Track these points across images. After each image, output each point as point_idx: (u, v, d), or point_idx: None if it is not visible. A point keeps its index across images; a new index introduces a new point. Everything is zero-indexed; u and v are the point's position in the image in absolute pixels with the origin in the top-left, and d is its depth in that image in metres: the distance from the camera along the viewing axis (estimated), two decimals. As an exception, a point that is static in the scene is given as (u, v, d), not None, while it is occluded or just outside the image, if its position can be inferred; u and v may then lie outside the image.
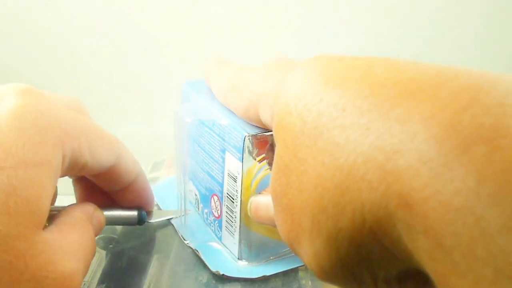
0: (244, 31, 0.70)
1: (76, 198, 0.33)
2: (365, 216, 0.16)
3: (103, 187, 0.32)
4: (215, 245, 0.35)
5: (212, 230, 0.35)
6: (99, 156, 0.27)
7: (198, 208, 0.37)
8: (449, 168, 0.13)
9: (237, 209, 0.31)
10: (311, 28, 0.73)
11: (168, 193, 0.41)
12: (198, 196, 0.37)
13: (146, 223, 0.34)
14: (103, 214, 0.31)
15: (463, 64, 0.17)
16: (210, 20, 0.69)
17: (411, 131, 0.15)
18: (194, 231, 0.36)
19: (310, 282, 0.32)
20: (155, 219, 0.36)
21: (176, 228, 0.37)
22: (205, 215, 0.36)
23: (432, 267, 0.14)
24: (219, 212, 0.33)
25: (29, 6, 0.68)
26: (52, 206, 0.29)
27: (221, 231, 0.34)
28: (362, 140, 0.16)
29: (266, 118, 0.25)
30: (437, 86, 0.15)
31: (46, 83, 0.74)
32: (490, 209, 0.12)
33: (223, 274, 0.32)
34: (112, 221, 0.33)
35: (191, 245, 0.35)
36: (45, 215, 0.24)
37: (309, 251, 0.19)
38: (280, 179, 0.20)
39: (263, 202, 0.29)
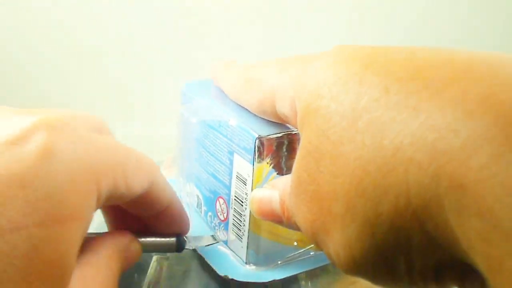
0: (245, 32, 0.70)
1: (107, 224, 0.30)
2: (410, 199, 0.15)
3: (135, 213, 0.29)
4: (221, 248, 0.34)
5: (218, 233, 0.35)
6: (134, 185, 0.24)
7: (201, 211, 0.36)
8: (509, 148, 0.13)
9: (246, 213, 0.30)
10: (312, 29, 0.72)
11: None
12: (201, 198, 0.36)
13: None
14: (139, 244, 0.28)
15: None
16: (211, 20, 0.69)
17: (467, 111, 0.14)
18: (196, 234, 0.35)
19: (309, 283, 0.32)
20: (193, 245, 0.33)
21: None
22: (208, 218, 0.35)
23: (485, 250, 0.14)
24: (225, 215, 0.33)
25: (30, 6, 0.68)
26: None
27: (227, 234, 0.33)
28: (410, 120, 0.15)
29: (284, 110, 0.25)
30: (490, 68, 0.15)
31: (47, 83, 0.73)
32: None
33: (232, 279, 0.31)
34: (149, 249, 0.29)
35: (196, 248, 0.34)
36: (71, 273, 0.21)
37: (338, 239, 0.18)
38: (307, 165, 0.20)
39: (267, 196, 0.27)
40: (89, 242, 0.24)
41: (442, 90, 0.15)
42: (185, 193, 0.37)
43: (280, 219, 0.25)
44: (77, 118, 0.24)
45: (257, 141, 0.28)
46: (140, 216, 0.29)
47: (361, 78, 0.18)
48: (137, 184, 0.25)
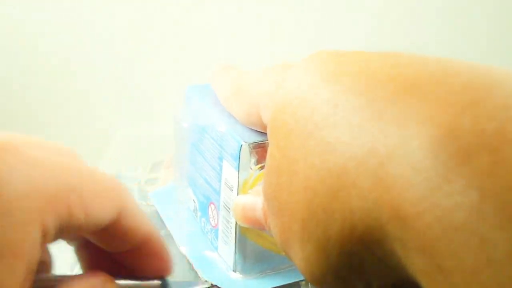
0: (247, 34, 0.69)
1: (81, 266, 0.26)
2: (355, 224, 0.14)
3: (106, 247, 0.25)
4: (211, 254, 0.34)
5: (209, 239, 0.34)
6: (96, 213, 0.21)
7: (196, 216, 0.36)
8: (447, 180, 0.12)
9: (233, 220, 0.30)
10: (315, 29, 0.72)
11: (167, 200, 0.40)
12: (196, 203, 0.36)
13: None
14: (116, 285, 0.24)
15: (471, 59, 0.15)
16: (212, 22, 0.69)
17: (406, 135, 0.13)
18: (191, 239, 0.35)
19: (309, 284, 0.32)
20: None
21: (172, 235, 0.36)
22: (202, 224, 0.35)
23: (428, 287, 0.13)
24: (216, 221, 0.33)
25: (38, 5, 0.68)
26: (49, 276, 0.23)
27: (217, 240, 0.33)
28: (354, 141, 0.15)
29: (266, 120, 0.24)
30: (436, 84, 0.14)
31: (48, 83, 0.73)
32: (496, 232, 0.11)
33: (215, 285, 0.31)
34: None
35: (185, 253, 0.34)
36: None
37: (300, 255, 0.18)
38: (271, 180, 0.19)
39: (250, 203, 0.26)
40: (53, 285, 0.21)
41: (384, 109, 0.14)
42: (187, 197, 0.36)
43: (262, 226, 0.25)
44: (30, 143, 0.21)
45: (242, 148, 0.28)
46: (116, 255, 0.25)
47: (317, 91, 0.17)
48: (100, 212, 0.21)
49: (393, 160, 0.13)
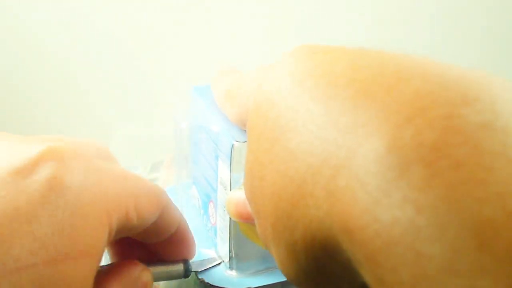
0: (248, 34, 0.70)
1: (110, 253, 0.28)
2: (314, 233, 0.14)
3: (142, 240, 0.26)
4: (208, 252, 0.34)
5: (210, 237, 0.35)
6: (146, 216, 0.23)
7: (200, 213, 0.37)
8: (386, 193, 0.12)
9: (227, 218, 0.31)
10: (318, 30, 0.72)
11: (174, 199, 0.41)
12: (199, 201, 0.36)
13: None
14: (150, 273, 0.26)
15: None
16: (212, 22, 0.69)
17: (354, 147, 0.13)
18: (195, 235, 0.36)
19: None
20: (201, 268, 0.32)
21: None
22: (204, 221, 0.36)
23: None
24: (214, 219, 0.33)
25: (39, 4, 0.68)
26: None
27: (216, 238, 0.34)
28: (311, 150, 0.15)
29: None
30: (388, 90, 0.13)
31: (48, 82, 0.74)
32: (430, 246, 0.11)
33: (207, 283, 0.31)
34: (158, 277, 0.28)
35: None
36: None
37: (275, 256, 0.18)
38: (247, 183, 0.19)
39: (242, 198, 0.26)
40: (98, 275, 0.21)
41: (338, 117, 0.14)
42: (192, 195, 0.37)
43: (253, 221, 0.26)
44: (85, 146, 0.22)
45: (234, 146, 0.28)
46: (146, 243, 0.27)
47: (285, 95, 0.17)
48: (149, 215, 0.23)
49: (342, 173, 0.13)
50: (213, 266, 0.33)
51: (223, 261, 0.33)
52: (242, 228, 0.31)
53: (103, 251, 0.20)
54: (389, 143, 0.12)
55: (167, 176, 0.53)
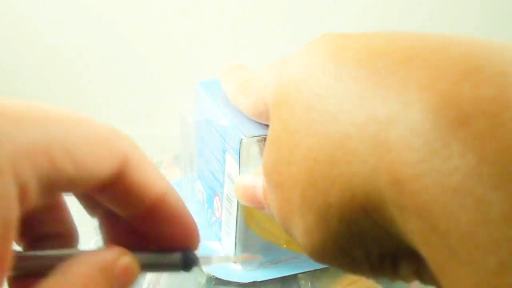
0: (252, 32, 0.70)
1: (103, 240, 0.23)
2: (355, 191, 0.15)
3: (118, 210, 0.22)
4: (213, 245, 0.34)
5: (214, 230, 0.35)
6: (90, 164, 0.19)
7: (204, 208, 0.37)
8: (446, 143, 0.12)
9: (234, 211, 0.31)
10: (320, 30, 0.73)
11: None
12: (204, 195, 0.37)
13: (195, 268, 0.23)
14: (134, 259, 0.21)
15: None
16: (212, 23, 0.69)
17: (406, 101, 0.13)
18: (200, 229, 0.36)
19: (309, 283, 0.32)
20: (205, 263, 0.23)
21: None
22: (208, 215, 0.36)
23: (427, 252, 0.13)
24: (220, 212, 0.33)
25: (41, 2, 0.68)
26: (64, 250, 0.21)
27: (221, 232, 0.34)
28: (355, 109, 0.15)
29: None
30: (436, 53, 0.14)
31: (50, 82, 0.74)
32: (493, 192, 0.11)
33: (214, 276, 0.31)
34: (147, 267, 0.22)
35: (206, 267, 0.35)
36: None
37: (300, 228, 0.18)
38: (271, 154, 0.19)
39: (251, 182, 0.26)
40: (64, 260, 0.19)
41: (385, 77, 0.15)
42: (197, 190, 0.37)
43: (262, 205, 0.25)
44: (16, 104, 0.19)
45: (242, 141, 0.28)
46: (136, 223, 0.22)
47: (320, 66, 0.18)
48: (94, 163, 0.19)
49: (392, 125, 0.14)
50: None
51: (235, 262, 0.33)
52: (248, 222, 0.31)
53: (7, 206, 0.17)
54: (446, 98, 0.12)
55: (166, 176, 0.53)
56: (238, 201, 0.30)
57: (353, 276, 0.33)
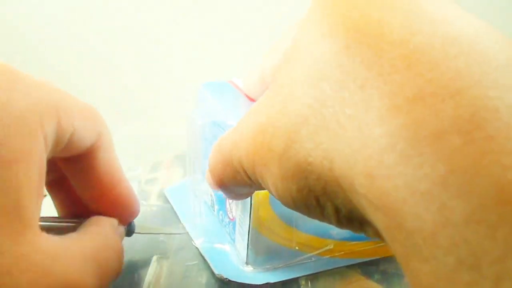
0: (252, 34, 0.70)
1: (56, 206, 0.30)
2: (333, 167, 0.16)
3: (78, 186, 0.28)
4: (223, 247, 0.35)
5: (227, 232, 0.35)
6: (81, 130, 0.24)
7: (214, 210, 0.37)
8: (420, 152, 0.13)
9: (247, 212, 0.31)
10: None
11: (183, 196, 0.41)
12: (213, 197, 0.37)
13: (134, 234, 0.32)
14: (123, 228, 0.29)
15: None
16: (213, 24, 0.69)
17: (396, 106, 0.14)
18: (205, 233, 0.36)
19: (309, 283, 0.32)
20: (145, 231, 0.33)
21: (187, 229, 0.37)
22: (220, 217, 0.36)
23: (392, 244, 0.14)
24: (233, 214, 0.33)
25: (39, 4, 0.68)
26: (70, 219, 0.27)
27: (234, 233, 0.34)
28: (355, 90, 0.16)
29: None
30: (437, 63, 0.15)
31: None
32: (455, 199, 0.12)
33: (226, 279, 0.31)
34: None
35: (198, 247, 0.35)
36: (32, 216, 0.20)
37: (277, 174, 0.19)
38: (265, 98, 0.20)
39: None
40: (87, 220, 0.26)
41: (388, 74, 0.15)
42: (202, 191, 0.37)
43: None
44: (21, 72, 0.24)
45: None
46: (87, 200, 0.28)
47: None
48: (83, 130, 0.24)
49: (380, 123, 0.15)
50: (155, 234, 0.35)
51: (186, 233, 0.35)
52: (259, 229, 0.31)
53: (40, 158, 0.21)
54: (429, 112, 0.14)
55: (167, 176, 0.53)
56: (250, 203, 0.31)
57: (353, 277, 0.33)
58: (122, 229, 0.29)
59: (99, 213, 0.28)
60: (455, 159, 0.13)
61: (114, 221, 0.28)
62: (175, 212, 0.39)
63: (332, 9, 0.18)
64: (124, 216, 0.29)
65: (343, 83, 0.16)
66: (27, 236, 0.20)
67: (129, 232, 0.31)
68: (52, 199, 0.29)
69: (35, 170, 0.21)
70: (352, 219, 0.17)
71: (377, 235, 0.17)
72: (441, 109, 0.13)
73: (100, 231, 0.26)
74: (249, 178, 0.21)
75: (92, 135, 0.25)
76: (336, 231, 0.34)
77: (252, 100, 0.32)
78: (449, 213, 0.12)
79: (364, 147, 0.15)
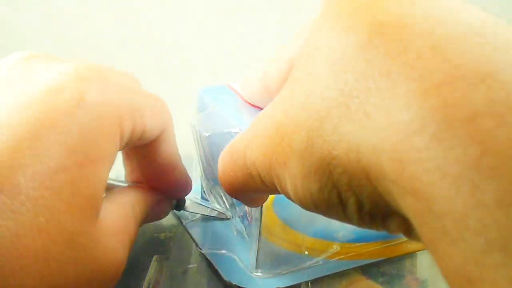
0: (254, 39, 0.70)
1: (127, 173, 0.33)
2: (360, 156, 0.16)
3: (138, 165, 0.31)
4: (228, 253, 0.35)
5: (245, 237, 0.35)
6: (150, 128, 0.27)
7: (227, 216, 0.37)
8: (453, 135, 0.13)
9: (257, 218, 0.31)
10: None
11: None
12: (226, 203, 0.37)
13: (183, 211, 0.36)
14: (154, 196, 0.32)
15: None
16: (214, 25, 0.69)
17: (426, 91, 0.14)
18: (213, 239, 0.36)
19: (309, 283, 0.33)
20: (192, 210, 0.36)
21: (192, 235, 0.37)
22: (234, 223, 0.36)
23: (420, 228, 0.14)
24: (250, 217, 0.33)
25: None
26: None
27: (249, 238, 0.34)
28: (380, 78, 0.16)
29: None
30: (464, 50, 0.15)
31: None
32: (487, 182, 0.12)
33: (236, 285, 0.31)
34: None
35: (206, 253, 0.35)
36: (101, 205, 0.25)
37: (296, 171, 0.18)
38: (281, 98, 0.20)
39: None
40: (113, 187, 0.29)
41: (413, 62, 0.15)
42: (215, 196, 0.37)
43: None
44: (106, 68, 0.27)
45: None
46: (146, 180, 0.32)
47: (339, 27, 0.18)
48: (152, 128, 0.27)
49: (407, 108, 0.15)
50: (210, 216, 0.37)
51: (230, 218, 0.37)
52: (267, 236, 0.31)
53: (115, 156, 0.25)
54: (462, 95, 0.14)
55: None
56: (260, 209, 0.31)
57: (353, 277, 0.33)
58: (173, 201, 0.33)
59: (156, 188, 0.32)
60: (488, 141, 0.13)
61: (141, 191, 0.31)
62: (178, 217, 0.39)
63: (349, 6, 0.18)
64: (177, 195, 0.34)
65: (367, 73, 0.16)
66: (97, 220, 0.24)
67: (178, 206, 0.34)
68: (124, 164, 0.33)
69: (110, 167, 0.25)
70: (375, 214, 0.17)
71: (401, 228, 0.17)
72: (472, 92, 0.13)
73: (123, 209, 0.28)
74: (263, 182, 0.21)
75: (159, 129, 0.28)
76: (342, 233, 0.34)
77: (255, 106, 0.32)
78: (480, 195, 0.12)
79: (393, 133, 0.15)
